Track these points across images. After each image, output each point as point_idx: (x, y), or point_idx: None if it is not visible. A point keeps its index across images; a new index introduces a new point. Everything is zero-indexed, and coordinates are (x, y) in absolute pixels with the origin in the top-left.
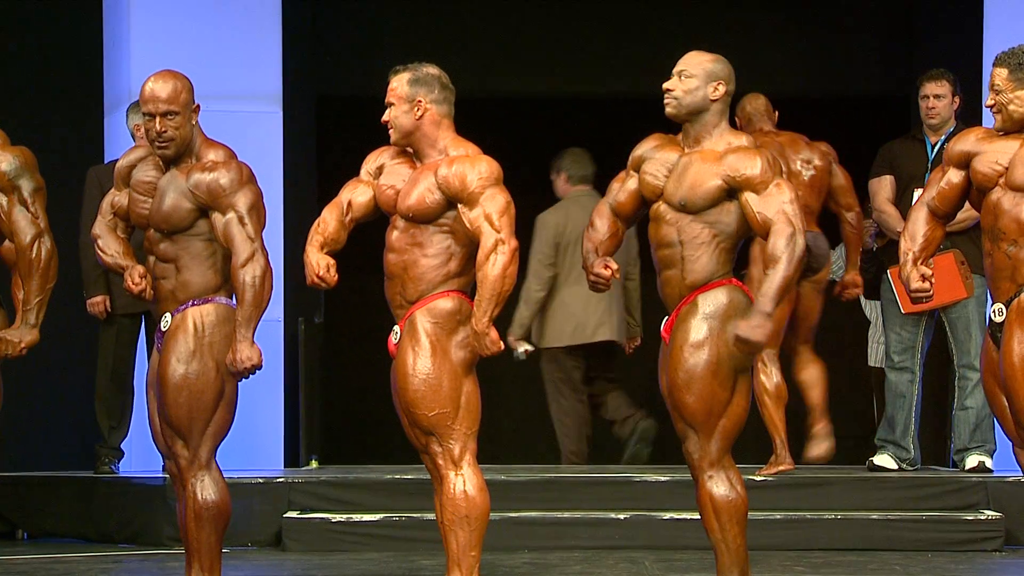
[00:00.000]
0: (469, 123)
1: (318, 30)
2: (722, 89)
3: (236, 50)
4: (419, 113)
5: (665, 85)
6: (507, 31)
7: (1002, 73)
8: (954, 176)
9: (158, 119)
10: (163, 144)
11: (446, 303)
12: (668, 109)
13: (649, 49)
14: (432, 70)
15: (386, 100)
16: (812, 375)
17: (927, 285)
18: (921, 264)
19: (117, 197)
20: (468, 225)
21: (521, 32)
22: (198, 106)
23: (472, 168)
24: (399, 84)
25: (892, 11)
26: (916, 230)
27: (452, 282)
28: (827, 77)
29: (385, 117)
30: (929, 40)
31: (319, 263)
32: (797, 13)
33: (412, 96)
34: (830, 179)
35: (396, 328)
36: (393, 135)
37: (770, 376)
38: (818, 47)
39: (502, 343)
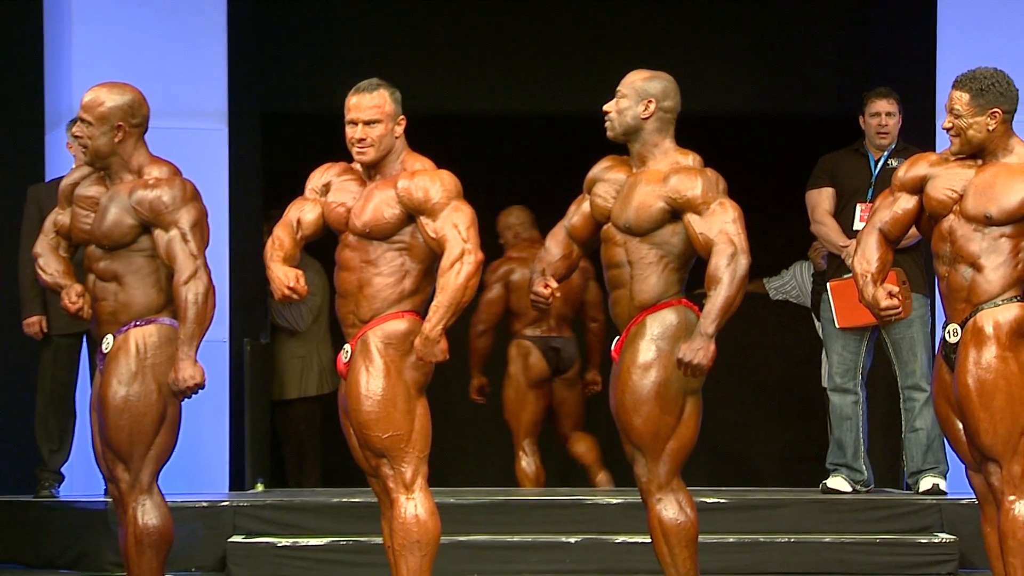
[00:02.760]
0: (421, 142)
1: (264, 46)
2: (653, 107)
3: (180, 66)
4: (400, 131)
5: (604, 107)
6: (459, 47)
7: (963, 97)
8: (907, 202)
9: (78, 123)
10: (82, 148)
11: (400, 324)
12: (607, 132)
13: (605, 67)
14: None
15: (362, 117)
16: (584, 446)
17: (895, 302)
18: (881, 284)
19: (60, 216)
20: (431, 236)
21: (474, 48)
22: (138, 123)
23: (434, 181)
24: (383, 101)
25: (846, 30)
26: (871, 253)
27: (406, 302)
28: (780, 96)
29: (362, 135)
30: (883, 60)
31: (287, 275)
32: (750, 32)
33: (397, 114)
34: (583, 293)
35: (347, 347)
36: (372, 153)
37: (531, 463)
38: (771, 66)
39: (447, 353)
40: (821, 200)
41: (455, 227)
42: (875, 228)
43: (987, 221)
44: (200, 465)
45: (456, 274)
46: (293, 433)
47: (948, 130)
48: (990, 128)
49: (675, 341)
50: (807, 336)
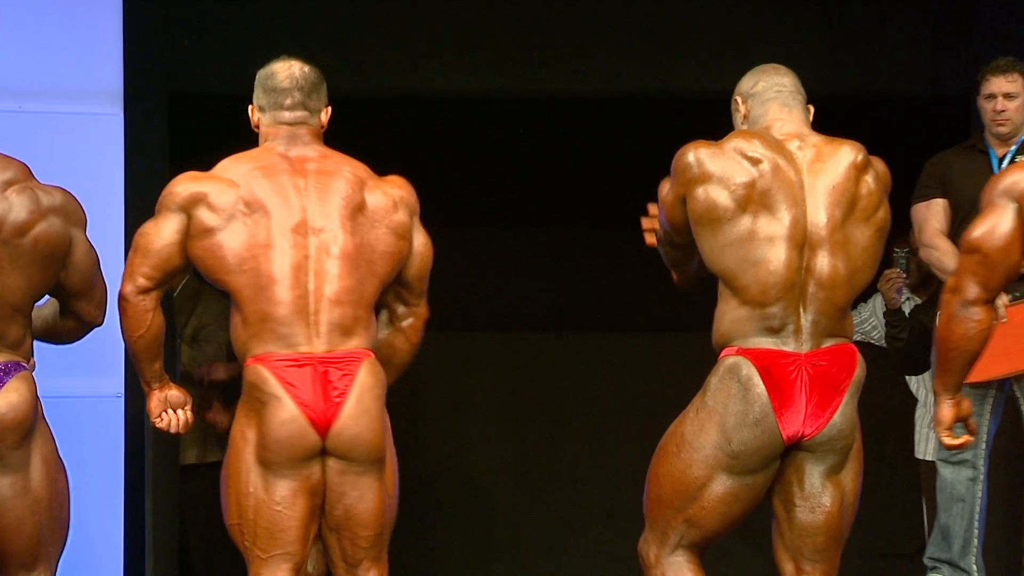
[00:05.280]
0: (343, 127)
1: (169, 14)
2: (738, 102)
3: (63, 35)
4: (251, 118)
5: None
6: (401, 21)
7: None
8: None
9: None
10: None
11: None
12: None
13: (667, 45)
14: (266, 69)
15: None
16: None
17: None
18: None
19: None
20: None
21: (415, 23)
22: None
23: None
24: None
25: None
26: None
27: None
28: (868, 74)
29: None
30: (991, 28)
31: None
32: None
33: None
34: None
35: None
36: None
37: None
38: (857, 40)
39: (176, 418)
40: (930, 216)
41: None
42: None
43: None
44: (85, 564)
45: None
46: (192, 510)
47: None
48: None
49: (717, 396)
50: (894, 390)
